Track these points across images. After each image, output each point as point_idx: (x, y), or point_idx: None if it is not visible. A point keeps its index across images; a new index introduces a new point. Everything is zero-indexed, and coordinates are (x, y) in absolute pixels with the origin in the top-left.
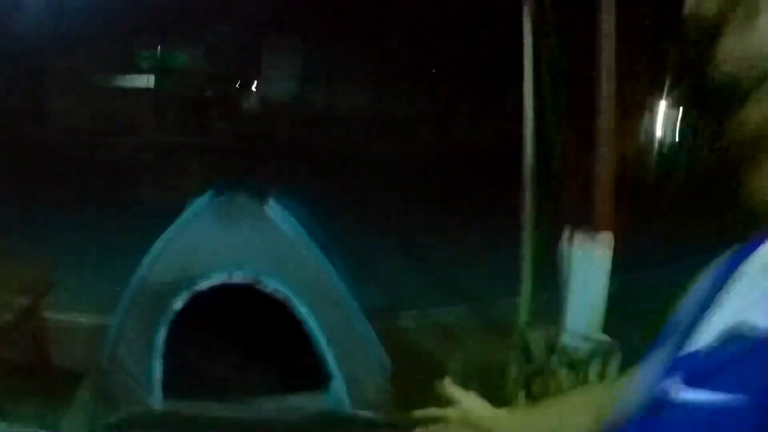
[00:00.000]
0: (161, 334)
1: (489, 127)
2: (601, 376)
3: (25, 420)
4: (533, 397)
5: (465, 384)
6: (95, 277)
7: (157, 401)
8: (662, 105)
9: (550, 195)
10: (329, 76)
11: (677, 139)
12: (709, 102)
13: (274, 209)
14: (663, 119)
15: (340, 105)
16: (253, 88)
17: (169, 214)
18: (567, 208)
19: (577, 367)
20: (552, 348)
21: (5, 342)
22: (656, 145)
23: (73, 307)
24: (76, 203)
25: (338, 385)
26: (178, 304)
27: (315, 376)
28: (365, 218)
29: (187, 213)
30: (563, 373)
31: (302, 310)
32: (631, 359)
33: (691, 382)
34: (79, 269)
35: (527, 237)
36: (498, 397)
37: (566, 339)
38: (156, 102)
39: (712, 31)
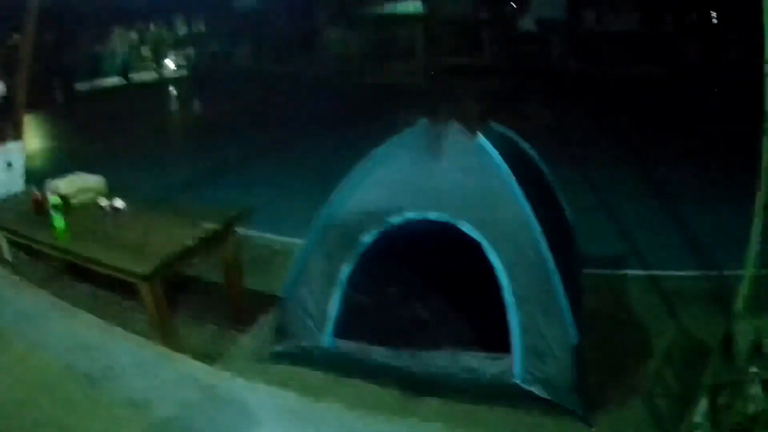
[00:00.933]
0: (344, 270)
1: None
2: None
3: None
4: (717, 411)
5: (661, 373)
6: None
7: (327, 338)
8: None
9: None
10: None
11: None
12: None
13: (485, 146)
14: None
15: (610, 25)
16: (523, 10)
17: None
18: None
19: None
20: (757, 351)
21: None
22: None
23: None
24: (335, 127)
25: (516, 352)
26: (366, 238)
27: (494, 337)
28: (602, 151)
29: (394, 142)
30: (755, 390)
31: (495, 261)
32: None
33: None
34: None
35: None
36: (688, 399)
37: None
38: (429, 26)
39: None
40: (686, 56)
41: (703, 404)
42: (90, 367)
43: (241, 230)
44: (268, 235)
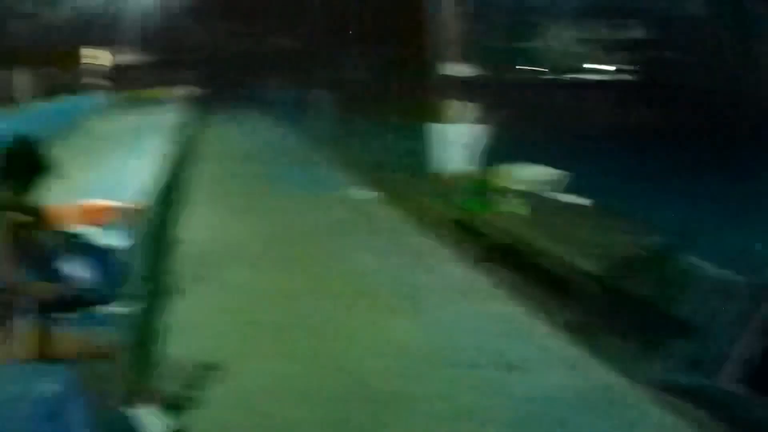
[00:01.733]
0: None
1: None
2: None
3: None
4: None
5: None
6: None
7: (730, 381)
8: None
9: None
10: None
11: None
12: None
13: None
14: None
15: None
16: None
17: None
18: None
19: None
20: None
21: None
22: None
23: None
24: None
25: None
26: None
27: None
28: None
29: None
30: None
31: None
32: None
33: None
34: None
35: None
36: None
37: None
38: None
39: None
40: None
41: None
42: (502, 354)
43: (681, 254)
44: (707, 265)
